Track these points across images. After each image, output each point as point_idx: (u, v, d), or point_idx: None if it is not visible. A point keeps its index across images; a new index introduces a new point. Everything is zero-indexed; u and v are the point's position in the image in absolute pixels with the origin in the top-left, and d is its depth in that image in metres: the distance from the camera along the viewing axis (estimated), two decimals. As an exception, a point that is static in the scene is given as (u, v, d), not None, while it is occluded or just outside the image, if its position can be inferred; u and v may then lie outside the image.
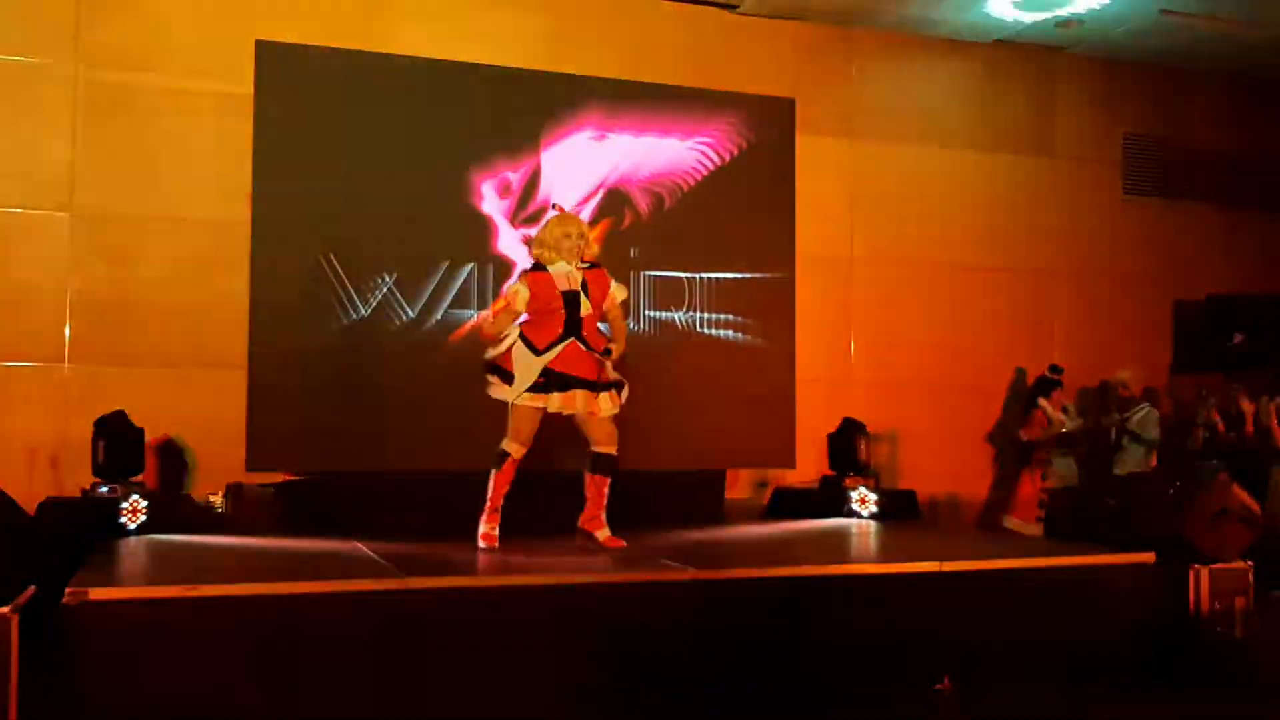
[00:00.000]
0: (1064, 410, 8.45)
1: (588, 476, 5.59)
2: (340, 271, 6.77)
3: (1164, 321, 9.49)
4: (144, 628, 3.99)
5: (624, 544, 5.53)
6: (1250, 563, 5.45)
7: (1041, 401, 8.46)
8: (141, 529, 6.07)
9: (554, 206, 5.80)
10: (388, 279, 6.87)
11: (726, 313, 7.62)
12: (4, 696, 3.86)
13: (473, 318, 6.99)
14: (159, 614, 4.04)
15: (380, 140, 6.90)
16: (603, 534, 5.60)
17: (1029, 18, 8.52)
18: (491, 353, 5.49)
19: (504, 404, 5.52)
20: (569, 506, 5.75)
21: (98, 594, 4.01)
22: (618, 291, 5.57)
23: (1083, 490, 8.29)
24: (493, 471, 5.51)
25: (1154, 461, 8.33)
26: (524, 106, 7.23)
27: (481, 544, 5.41)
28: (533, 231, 7.19)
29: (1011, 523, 8.26)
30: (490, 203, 7.13)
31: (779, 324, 7.77)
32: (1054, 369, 8.54)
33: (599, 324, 5.57)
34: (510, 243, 7.16)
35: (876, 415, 8.36)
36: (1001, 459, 8.87)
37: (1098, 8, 8.34)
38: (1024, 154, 9.26)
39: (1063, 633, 5.13)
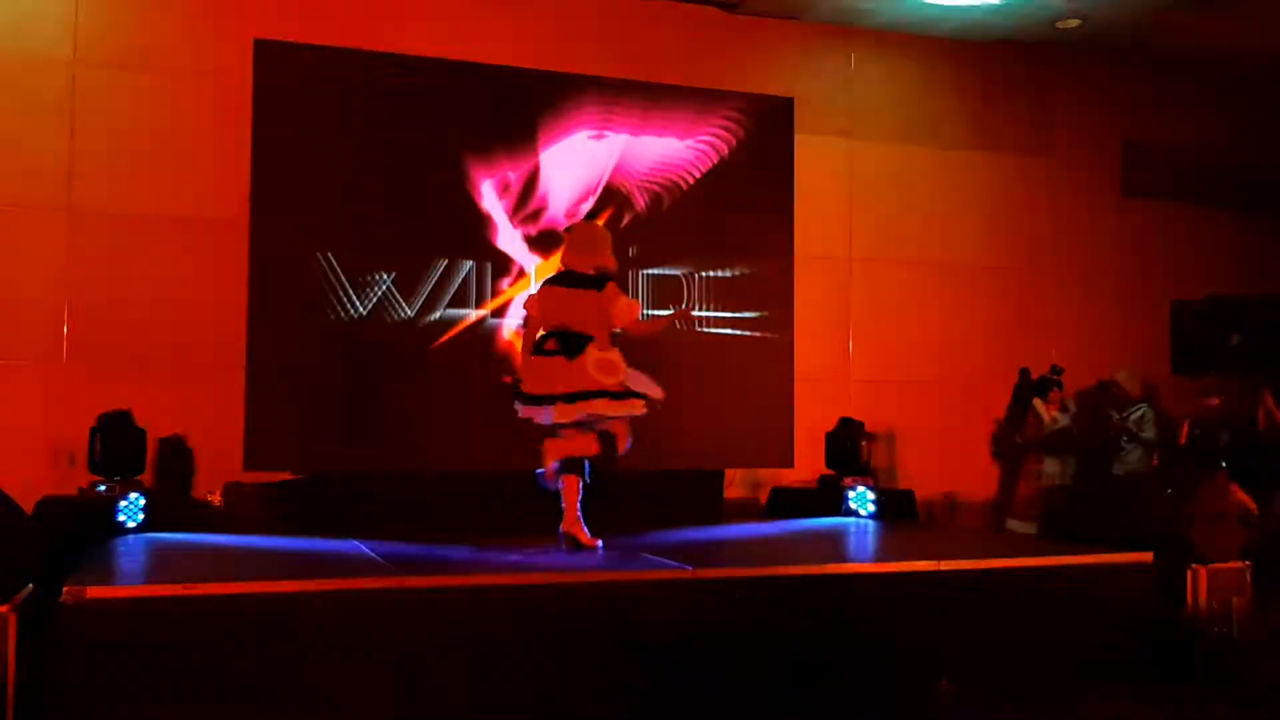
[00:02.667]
0: (1063, 409, 8.44)
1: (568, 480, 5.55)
2: (338, 270, 6.77)
3: (1162, 322, 9.48)
4: (141, 627, 3.99)
5: (598, 543, 5.51)
6: (1248, 563, 5.45)
7: (1036, 401, 8.45)
8: (139, 528, 6.07)
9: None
10: (386, 277, 6.86)
11: (725, 311, 7.62)
12: (2, 694, 3.85)
13: (470, 316, 7.01)
14: (156, 613, 4.04)
15: (378, 138, 6.89)
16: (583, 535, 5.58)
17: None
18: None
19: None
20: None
21: (95, 592, 4.01)
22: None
23: (1079, 490, 8.28)
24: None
25: (1154, 461, 8.33)
26: (523, 105, 7.22)
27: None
28: (532, 230, 7.21)
29: (1012, 524, 8.26)
30: (489, 200, 7.13)
31: (777, 323, 7.77)
32: (1054, 369, 8.54)
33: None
34: (509, 240, 7.16)
35: (875, 415, 8.36)
36: (1002, 459, 8.87)
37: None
38: (1022, 154, 9.26)
39: (1060, 632, 5.14)
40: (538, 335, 5.46)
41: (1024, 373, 8.83)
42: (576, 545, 5.48)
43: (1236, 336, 8.97)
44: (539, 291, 5.55)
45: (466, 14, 7.76)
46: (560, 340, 5.33)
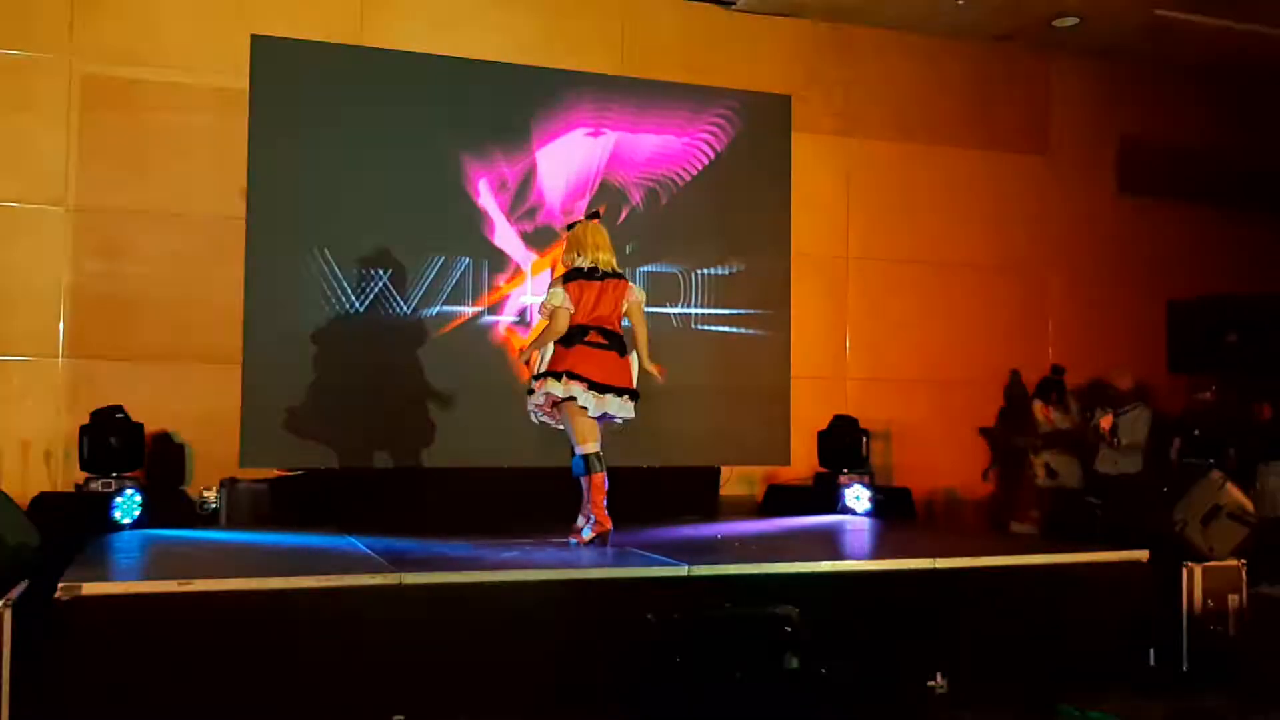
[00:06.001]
0: (1064, 410, 8.38)
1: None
2: (335, 266, 6.76)
3: (1158, 321, 9.49)
4: (137, 623, 3.99)
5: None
6: (1243, 561, 5.46)
7: (1036, 403, 8.42)
8: (135, 524, 6.07)
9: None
10: (382, 273, 6.86)
11: (722, 308, 7.63)
12: (-3, 691, 3.86)
13: (467, 312, 7.02)
14: (152, 609, 4.04)
15: (375, 135, 6.88)
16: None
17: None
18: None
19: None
20: (565, 504, 5.76)
21: (91, 589, 4.01)
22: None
23: (1080, 490, 8.26)
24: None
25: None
26: (520, 101, 7.22)
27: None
28: (529, 227, 7.22)
29: (1015, 526, 8.25)
30: (486, 197, 7.12)
31: (774, 320, 7.77)
32: (1056, 369, 8.52)
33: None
34: (506, 237, 7.16)
35: (871, 412, 8.37)
36: (1000, 462, 8.85)
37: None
38: (1019, 152, 9.26)
39: (1056, 630, 5.14)
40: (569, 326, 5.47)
41: (1014, 375, 8.82)
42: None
43: (1233, 336, 8.98)
44: (572, 285, 5.49)
45: (463, 11, 7.75)
46: (606, 336, 5.51)
